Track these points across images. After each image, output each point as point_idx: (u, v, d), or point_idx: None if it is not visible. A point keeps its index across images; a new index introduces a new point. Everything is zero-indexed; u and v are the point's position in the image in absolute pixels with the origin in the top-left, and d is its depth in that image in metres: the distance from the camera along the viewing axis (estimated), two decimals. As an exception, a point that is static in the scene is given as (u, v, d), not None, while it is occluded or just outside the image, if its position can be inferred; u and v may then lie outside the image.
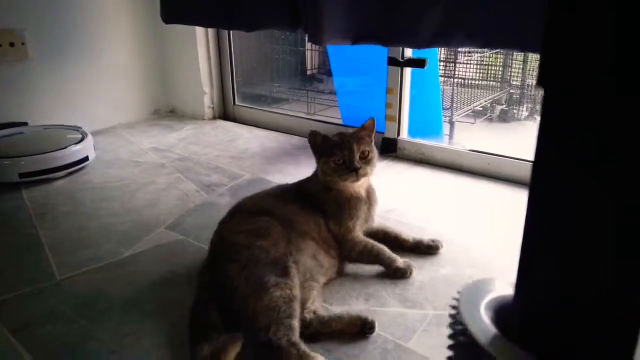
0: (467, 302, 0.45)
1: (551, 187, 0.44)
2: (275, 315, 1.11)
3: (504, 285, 0.49)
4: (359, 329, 1.16)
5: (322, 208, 1.44)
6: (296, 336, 1.09)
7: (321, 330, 1.15)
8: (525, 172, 2.04)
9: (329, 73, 3.71)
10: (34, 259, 1.55)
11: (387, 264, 1.42)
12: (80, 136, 2.33)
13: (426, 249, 1.54)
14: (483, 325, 0.42)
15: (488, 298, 0.46)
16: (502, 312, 0.44)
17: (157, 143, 2.69)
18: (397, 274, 1.40)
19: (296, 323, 1.12)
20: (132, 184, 2.14)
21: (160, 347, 1.15)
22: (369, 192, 1.53)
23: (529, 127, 3.41)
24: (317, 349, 1.10)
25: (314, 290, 1.25)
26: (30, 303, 1.33)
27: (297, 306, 1.14)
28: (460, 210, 1.84)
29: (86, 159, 2.28)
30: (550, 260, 0.42)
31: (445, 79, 3.37)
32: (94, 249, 1.60)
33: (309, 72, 4.02)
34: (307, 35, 1.82)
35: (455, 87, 3.28)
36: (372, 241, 1.45)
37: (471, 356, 0.41)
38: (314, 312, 1.18)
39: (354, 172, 1.39)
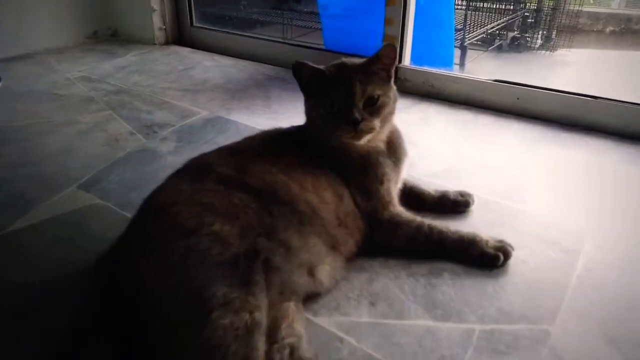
0: None
1: None
2: None
3: None
4: None
5: (340, 169, 0.94)
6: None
7: None
8: (567, 108, 1.56)
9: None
10: None
11: (462, 250, 0.92)
12: (-27, 59, 1.73)
13: (453, 206, 1.09)
14: None
15: None
16: None
17: (89, 72, 2.09)
18: (483, 262, 0.91)
19: None
20: (45, 124, 1.58)
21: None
22: (392, 140, 1.02)
23: (545, 58, 2.89)
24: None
25: (292, 304, 0.77)
26: None
27: (260, 339, 0.66)
28: (488, 159, 1.36)
29: (-18, 90, 1.69)
30: None
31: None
32: (-39, 221, 1.08)
33: (283, -9, 3.34)
34: None
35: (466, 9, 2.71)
36: (425, 220, 0.95)
37: None
38: (291, 348, 0.70)
39: (352, 125, 0.89)
